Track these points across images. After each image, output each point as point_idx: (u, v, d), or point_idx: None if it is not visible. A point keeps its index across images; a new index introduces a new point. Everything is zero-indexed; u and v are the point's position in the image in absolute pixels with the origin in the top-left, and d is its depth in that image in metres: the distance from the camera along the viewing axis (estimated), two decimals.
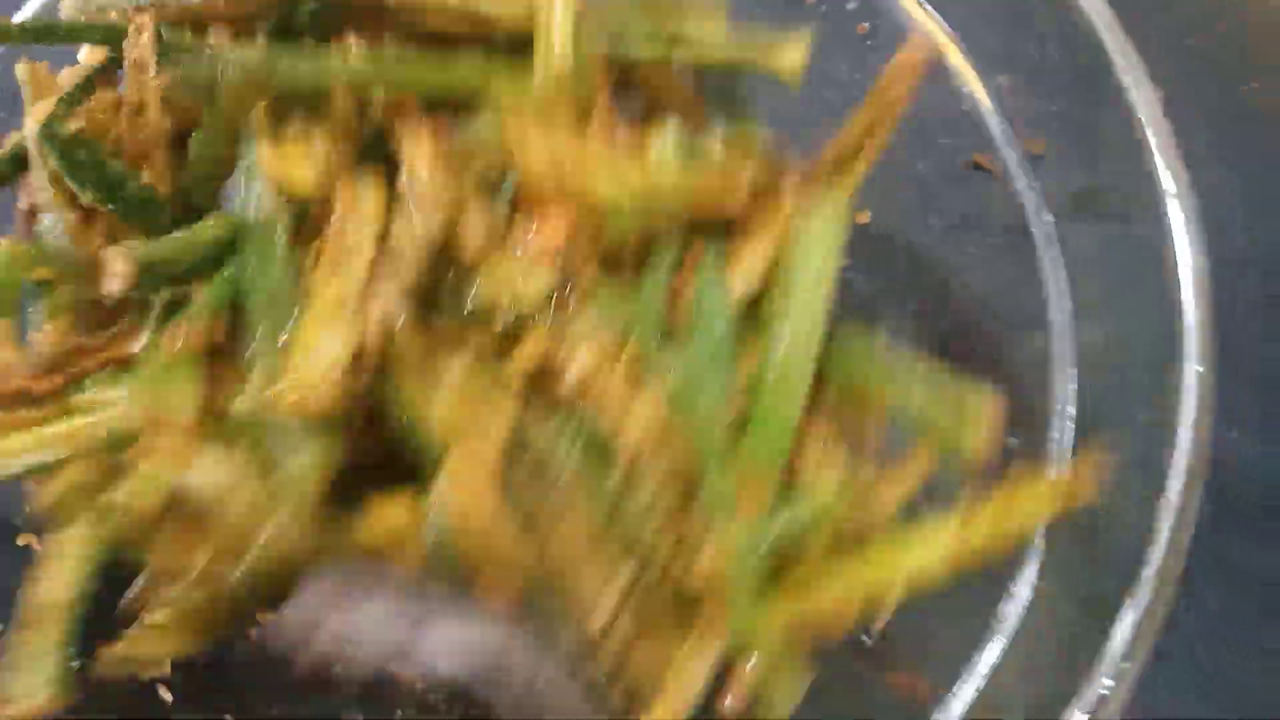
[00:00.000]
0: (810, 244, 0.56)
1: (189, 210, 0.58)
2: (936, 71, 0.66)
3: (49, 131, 0.56)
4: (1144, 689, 0.70)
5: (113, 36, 0.59)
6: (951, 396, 0.56)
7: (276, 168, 0.56)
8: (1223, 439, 0.76)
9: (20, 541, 0.61)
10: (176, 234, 0.57)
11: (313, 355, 0.51)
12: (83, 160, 0.57)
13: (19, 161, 0.61)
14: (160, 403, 0.54)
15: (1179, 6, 0.88)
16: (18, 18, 0.71)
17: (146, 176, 0.59)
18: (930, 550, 0.52)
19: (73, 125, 0.57)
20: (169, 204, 0.59)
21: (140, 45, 0.57)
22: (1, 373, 0.54)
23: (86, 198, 0.57)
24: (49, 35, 0.61)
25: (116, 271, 0.54)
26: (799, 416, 0.54)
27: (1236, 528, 0.75)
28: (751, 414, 0.54)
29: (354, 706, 0.57)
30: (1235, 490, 0.75)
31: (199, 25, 0.59)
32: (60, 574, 0.53)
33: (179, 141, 0.59)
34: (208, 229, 0.58)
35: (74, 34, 0.61)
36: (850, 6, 0.70)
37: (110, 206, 0.58)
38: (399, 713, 0.58)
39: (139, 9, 0.59)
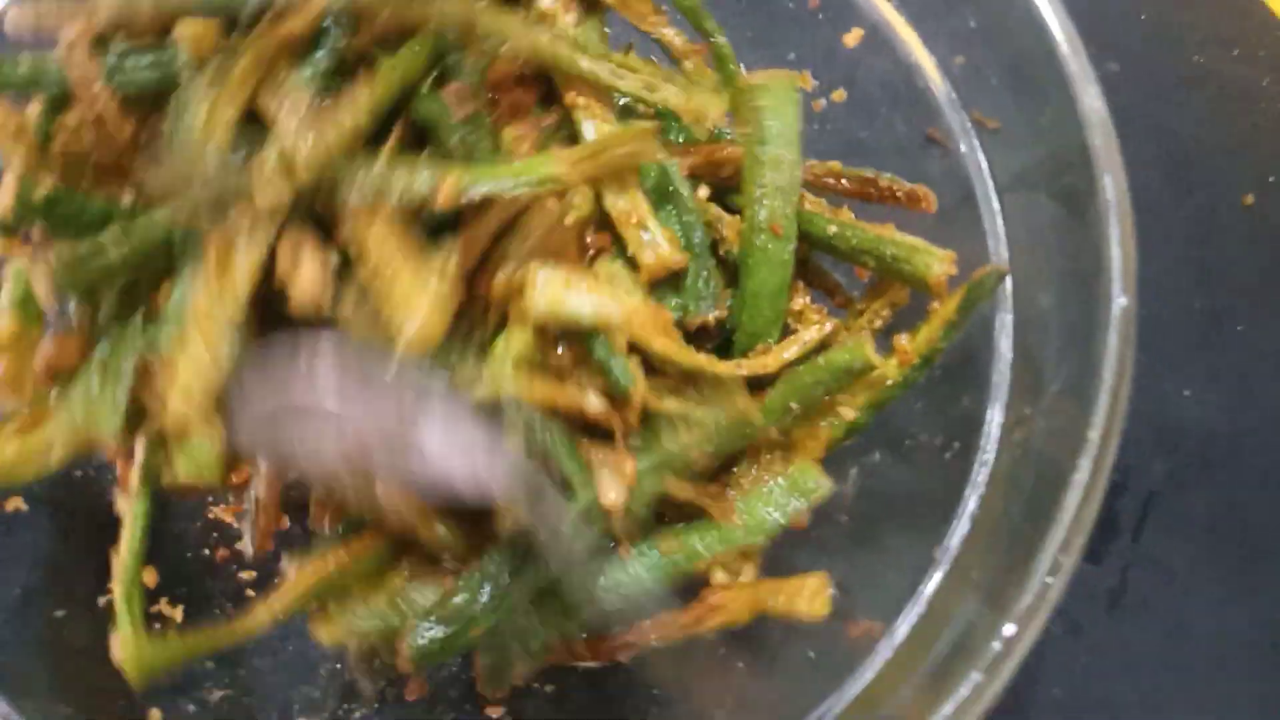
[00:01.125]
0: (770, 110, 0.63)
1: None
2: (894, 50, 0.69)
3: (24, 209, 0.56)
4: (1100, 632, 0.74)
5: (37, 75, 0.58)
6: (909, 243, 0.63)
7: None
8: (1175, 399, 0.79)
9: None
10: (101, 235, 0.56)
11: None
12: (63, 216, 0.57)
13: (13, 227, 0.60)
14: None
15: None
16: None
17: (130, 192, 0.59)
18: None
19: (42, 191, 0.56)
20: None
21: (76, 63, 0.57)
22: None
23: None
24: None
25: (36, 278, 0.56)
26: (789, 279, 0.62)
27: (1184, 480, 0.78)
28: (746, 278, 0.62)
29: None
30: (1182, 446, 0.78)
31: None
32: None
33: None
34: (152, 223, 0.57)
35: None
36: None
37: None
38: None
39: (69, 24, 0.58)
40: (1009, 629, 0.47)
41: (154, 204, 0.57)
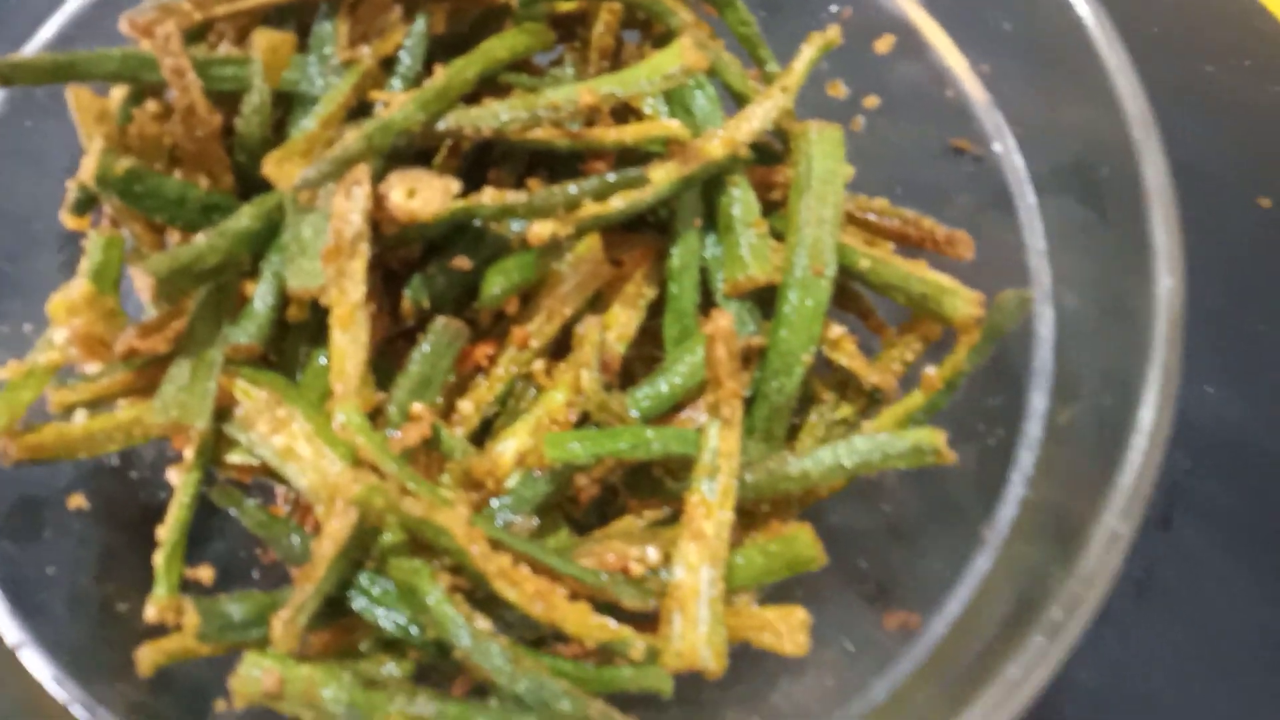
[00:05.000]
0: (817, 156, 0.67)
1: (256, 188, 0.62)
2: (925, 54, 0.71)
3: (104, 179, 0.59)
4: (1128, 621, 0.75)
5: (130, 65, 0.62)
6: (938, 283, 0.65)
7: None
8: (1197, 395, 0.81)
9: None
10: (201, 234, 0.60)
11: None
12: (139, 192, 0.61)
13: (89, 201, 0.66)
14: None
15: None
16: (27, 50, 0.72)
17: (205, 179, 0.63)
18: None
19: (123, 165, 0.60)
20: (232, 197, 0.64)
21: (172, 53, 0.60)
22: (118, 337, 0.58)
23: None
24: (68, 72, 0.61)
25: (139, 286, 0.58)
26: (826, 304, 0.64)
27: (1208, 473, 0.79)
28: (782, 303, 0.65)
29: None
30: (1206, 440, 0.80)
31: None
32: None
33: (228, 130, 0.63)
34: (241, 221, 0.61)
35: (91, 68, 0.62)
36: (833, 8, 0.75)
37: (175, 222, 0.62)
38: None
39: (159, 19, 0.62)
40: (1066, 598, 0.49)
41: (230, 191, 0.61)
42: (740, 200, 0.68)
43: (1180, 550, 0.77)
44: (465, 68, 0.65)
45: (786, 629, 0.59)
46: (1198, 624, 0.76)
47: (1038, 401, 0.61)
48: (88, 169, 0.59)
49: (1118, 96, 0.56)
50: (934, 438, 0.60)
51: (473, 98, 0.65)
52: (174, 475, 0.61)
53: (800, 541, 0.61)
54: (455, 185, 0.60)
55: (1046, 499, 0.57)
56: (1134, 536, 0.49)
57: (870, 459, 0.61)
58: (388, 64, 0.67)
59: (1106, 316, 0.58)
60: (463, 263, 0.64)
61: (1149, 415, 0.50)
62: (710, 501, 0.60)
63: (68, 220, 0.66)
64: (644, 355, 0.70)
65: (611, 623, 0.57)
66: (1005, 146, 0.67)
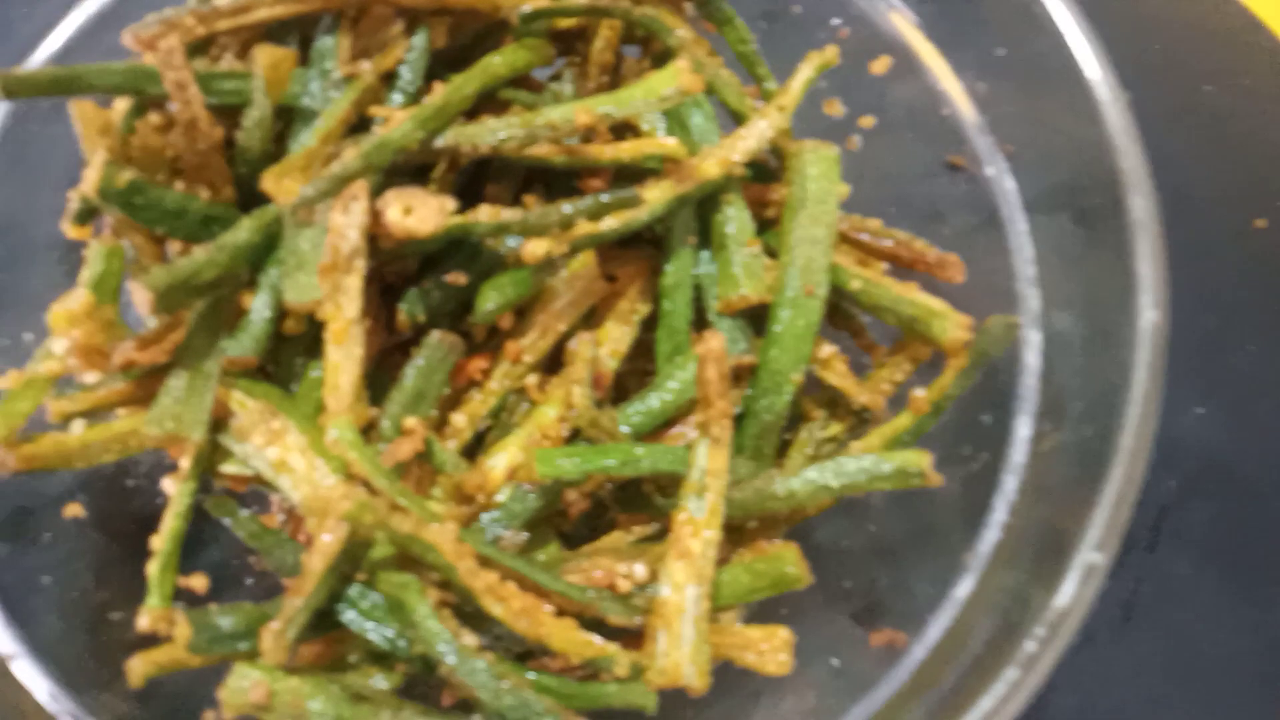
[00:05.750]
0: (812, 175, 0.68)
1: (256, 201, 0.63)
2: (921, 77, 0.71)
3: (106, 192, 0.60)
4: (1113, 643, 0.76)
5: (133, 78, 0.63)
6: (928, 306, 0.66)
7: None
8: (1186, 417, 0.82)
9: None
10: (199, 248, 0.61)
11: None
12: (141, 204, 0.61)
13: (91, 212, 0.67)
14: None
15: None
16: (30, 63, 0.72)
17: (205, 191, 0.64)
18: None
19: (125, 177, 0.60)
20: (233, 209, 0.64)
21: (174, 67, 0.61)
22: (116, 348, 0.59)
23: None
24: (71, 85, 0.62)
25: (138, 299, 0.59)
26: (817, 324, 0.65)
27: (1195, 495, 0.80)
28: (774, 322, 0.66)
29: None
30: (1195, 462, 0.80)
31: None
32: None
33: (229, 143, 0.64)
34: (239, 235, 0.61)
35: (94, 81, 0.62)
36: (835, 22, 0.75)
37: (176, 234, 0.63)
38: None
39: (162, 33, 0.63)
40: (1040, 632, 0.50)
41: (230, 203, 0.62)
42: (735, 218, 0.68)
43: (1165, 572, 0.78)
44: (464, 84, 0.65)
45: (770, 648, 0.59)
46: (1181, 647, 0.76)
47: (1022, 427, 0.62)
48: (90, 181, 0.60)
49: (1106, 126, 0.57)
50: (920, 460, 0.60)
51: (471, 113, 0.66)
52: (169, 485, 0.62)
53: (786, 560, 0.61)
54: (451, 204, 0.60)
55: (1028, 524, 0.58)
56: (1112, 565, 0.50)
57: (857, 480, 0.61)
58: (387, 78, 0.68)
59: (1092, 344, 0.58)
60: (458, 278, 0.65)
61: (1127, 448, 0.51)
62: (697, 520, 0.60)
63: (69, 230, 0.67)
64: (636, 369, 0.70)
65: (597, 639, 0.58)
66: (997, 169, 0.68)
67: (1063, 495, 0.56)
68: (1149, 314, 0.53)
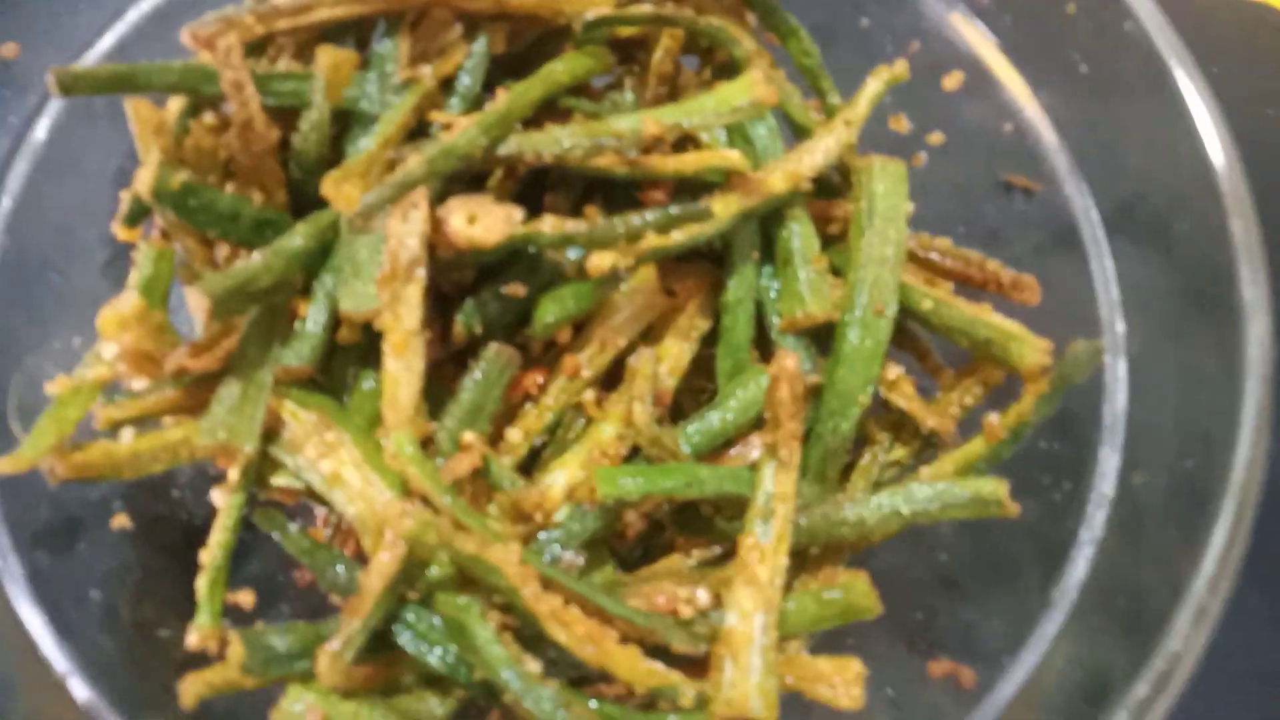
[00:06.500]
0: (880, 192, 0.65)
1: (310, 205, 0.61)
2: (995, 93, 0.69)
3: (160, 193, 0.58)
4: (1190, 688, 0.73)
5: (189, 77, 0.61)
6: (1004, 329, 0.63)
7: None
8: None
9: None
10: (256, 255, 0.59)
11: None
12: (194, 207, 0.60)
13: (141, 212, 0.65)
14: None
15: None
16: (86, 60, 0.71)
17: (257, 194, 0.62)
18: None
19: (179, 178, 0.59)
20: (285, 213, 0.63)
21: (232, 66, 0.59)
22: (168, 355, 0.57)
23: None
24: (127, 82, 0.61)
25: (193, 305, 0.57)
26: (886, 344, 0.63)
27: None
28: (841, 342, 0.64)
29: None
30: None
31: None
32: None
33: (284, 145, 0.62)
34: (294, 240, 0.60)
35: (151, 79, 0.61)
36: (902, 37, 0.73)
37: (228, 237, 0.62)
38: None
39: (221, 31, 0.61)
40: (1144, 689, 0.47)
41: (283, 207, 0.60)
42: (800, 234, 0.66)
43: (1246, 612, 0.75)
44: (527, 91, 0.64)
45: (842, 681, 0.57)
46: (1263, 690, 0.74)
47: (1108, 458, 0.59)
48: (144, 181, 0.58)
49: (1203, 147, 0.55)
50: (997, 489, 0.58)
51: (530, 121, 0.64)
52: (218, 496, 0.60)
53: (856, 590, 0.59)
54: (518, 213, 0.59)
55: (1120, 563, 0.55)
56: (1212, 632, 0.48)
57: (929, 508, 0.59)
58: (445, 84, 0.66)
59: (1187, 373, 0.56)
60: (516, 289, 0.63)
61: (1238, 483, 0.49)
62: (764, 546, 0.58)
63: (120, 232, 0.65)
64: (692, 387, 0.68)
65: (661, 667, 0.56)
66: (1077, 189, 0.66)
67: (1162, 534, 0.54)
68: (1256, 346, 0.51)
